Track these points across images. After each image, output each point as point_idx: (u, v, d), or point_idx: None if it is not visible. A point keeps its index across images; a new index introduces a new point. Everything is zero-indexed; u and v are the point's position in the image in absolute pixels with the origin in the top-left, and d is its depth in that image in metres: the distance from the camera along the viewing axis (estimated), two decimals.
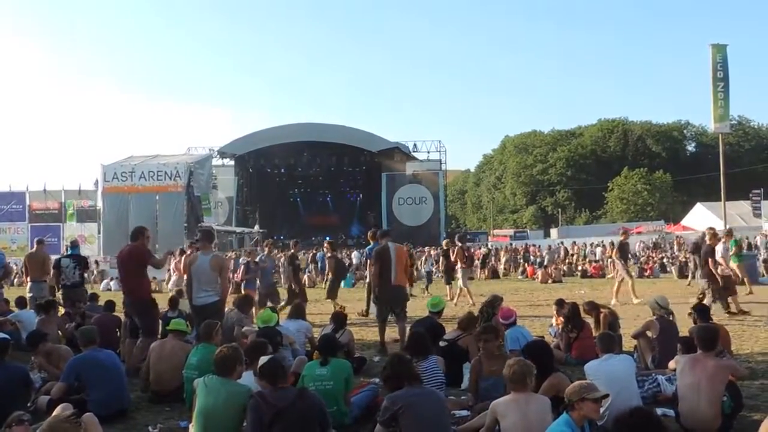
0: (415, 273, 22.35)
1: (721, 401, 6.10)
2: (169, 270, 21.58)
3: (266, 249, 17.62)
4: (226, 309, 10.86)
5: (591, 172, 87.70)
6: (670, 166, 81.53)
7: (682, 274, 26.96)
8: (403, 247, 12.64)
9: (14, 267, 26.97)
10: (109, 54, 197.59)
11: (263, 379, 5.53)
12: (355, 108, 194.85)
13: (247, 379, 5.95)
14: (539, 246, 43.12)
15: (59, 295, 13.44)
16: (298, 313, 10.35)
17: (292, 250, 17.54)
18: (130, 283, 9.77)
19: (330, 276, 17.30)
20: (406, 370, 5.62)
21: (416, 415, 5.21)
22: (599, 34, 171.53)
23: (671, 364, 6.86)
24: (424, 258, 26.76)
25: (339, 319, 10.01)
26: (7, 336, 7.82)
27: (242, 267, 16.62)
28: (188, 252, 16.34)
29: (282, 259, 19.97)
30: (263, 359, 5.89)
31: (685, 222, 55.50)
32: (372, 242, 14.27)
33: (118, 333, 10.92)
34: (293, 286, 16.15)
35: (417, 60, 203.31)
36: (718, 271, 14.07)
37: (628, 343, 9.66)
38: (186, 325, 8.54)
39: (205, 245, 9.91)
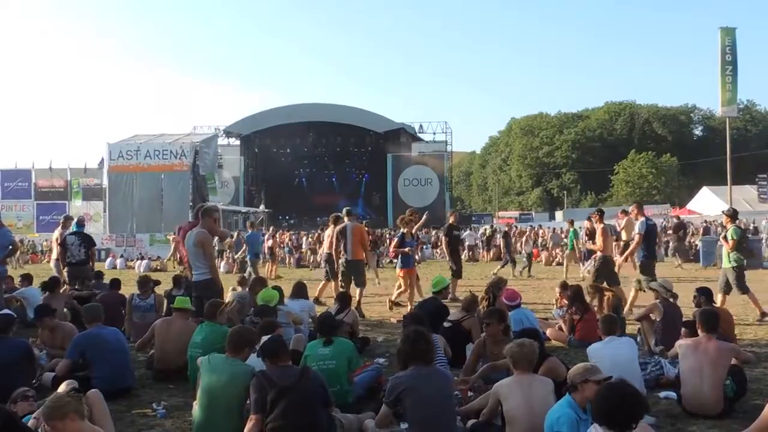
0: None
1: (724, 385, 6.11)
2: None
3: (400, 222, 15.02)
4: (237, 289, 10.98)
5: (597, 155, 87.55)
6: (676, 150, 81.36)
7: (687, 257, 27.00)
8: (361, 226, 14.07)
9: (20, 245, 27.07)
10: (116, 31, 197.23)
11: (264, 357, 5.54)
12: (361, 88, 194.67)
13: (255, 361, 5.94)
14: (553, 228, 42.83)
15: (65, 272, 13.47)
16: (300, 292, 10.32)
17: (450, 221, 15.99)
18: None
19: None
20: (413, 348, 5.56)
21: (419, 398, 5.19)
22: (607, 17, 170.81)
23: (674, 350, 6.85)
24: (524, 239, 25.95)
25: (344, 299, 10.02)
26: (11, 313, 7.85)
27: (395, 240, 14.49)
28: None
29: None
30: (265, 337, 5.91)
31: (690, 206, 55.43)
32: (402, 228, 14.32)
33: (123, 311, 10.96)
34: (449, 259, 15.16)
35: (424, 41, 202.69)
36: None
37: (631, 326, 9.67)
38: (191, 303, 8.55)
39: (200, 222, 9.86)
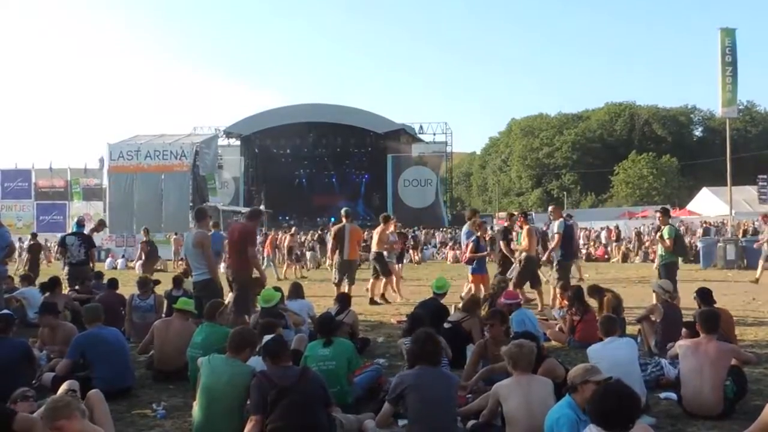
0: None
1: (724, 385, 6.11)
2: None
3: (473, 225, 14.24)
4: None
5: (597, 156, 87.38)
6: (676, 151, 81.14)
7: (687, 258, 27.04)
8: (358, 228, 15.06)
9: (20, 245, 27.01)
10: (115, 31, 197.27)
11: (266, 357, 5.54)
12: (361, 89, 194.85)
13: (255, 361, 5.94)
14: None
15: (64, 272, 13.47)
16: (298, 292, 10.33)
17: (506, 224, 15.43)
18: (235, 256, 9.99)
19: (143, 258, 19.86)
20: (422, 348, 5.59)
21: (421, 397, 5.22)
22: (607, 17, 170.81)
23: (674, 350, 6.85)
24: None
25: (344, 300, 10.02)
26: (10, 313, 7.85)
27: (470, 244, 13.39)
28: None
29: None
30: (266, 337, 5.91)
31: (690, 207, 55.30)
32: (468, 227, 14.30)
33: (122, 311, 10.96)
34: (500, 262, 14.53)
35: (425, 42, 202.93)
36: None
37: (631, 327, 9.67)
38: (193, 304, 8.56)
39: (197, 223, 9.96)
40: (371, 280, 15.44)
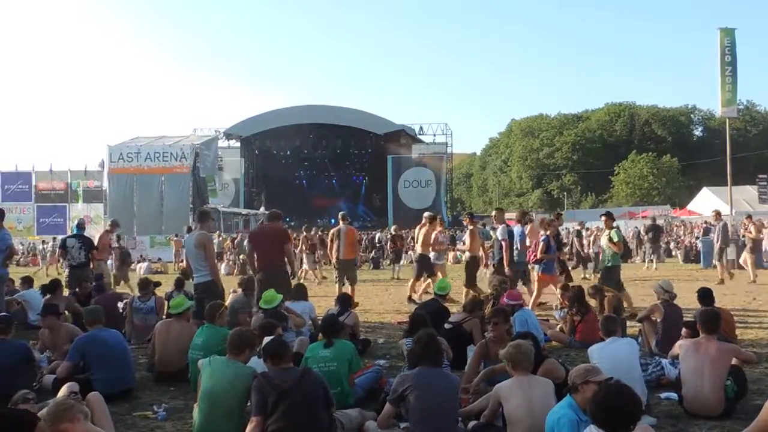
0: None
1: (725, 385, 6.11)
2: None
3: (542, 225, 13.86)
4: (237, 291, 11.14)
5: (597, 156, 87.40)
6: (676, 151, 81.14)
7: (688, 258, 27.07)
8: (353, 228, 15.48)
9: (20, 247, 27.03)
10: (115, 31, 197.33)
11: (267, 358, 5.54)
12: (362, 89, 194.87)
13: (256, 362, 5.94)
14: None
15: (65, 274, 13.49)
16: (301, 294, 10.32)
17: (556, 222, 15.18)
18: (270, 257, 10.25)
19: (117, 263, 19.39)
20: (424, 349, 5.60)
21: (422, 398, 5.22)
22: (607, 17, 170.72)
23: (674, 349, 6.85)
24: (592, 238, 25.26)
25: (344, 301, 10.02)
26: (8, 314, 7.86)
27: (541, 244, 12.90)
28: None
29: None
30: (267, 339, 5.91)
31: (691, 206, 55.33)
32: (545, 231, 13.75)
33: (122, 312, 10.95)
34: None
35: (425, 42, 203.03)
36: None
37: (632, 327, 9.67)
38: (184, 303, 8.50)
39: (198, 225, 10.00)
40: (412, 280, 15.25)
